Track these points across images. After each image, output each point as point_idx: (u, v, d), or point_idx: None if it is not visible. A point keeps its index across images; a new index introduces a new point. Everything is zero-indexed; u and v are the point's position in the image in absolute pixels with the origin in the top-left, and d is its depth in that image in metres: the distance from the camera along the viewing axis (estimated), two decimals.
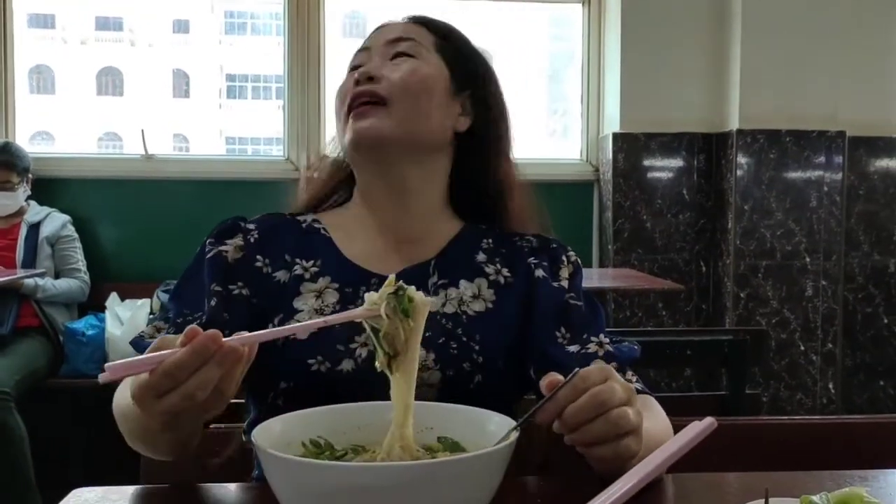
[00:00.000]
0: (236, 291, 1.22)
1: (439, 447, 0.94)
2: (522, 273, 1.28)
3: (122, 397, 1.09)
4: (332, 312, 1.17)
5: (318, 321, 0.95)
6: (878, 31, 4.20)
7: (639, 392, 1.20)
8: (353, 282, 1.22)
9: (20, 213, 3.92)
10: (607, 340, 1.23)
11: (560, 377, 0.91)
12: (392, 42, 1.31)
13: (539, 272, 1.28)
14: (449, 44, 1.34)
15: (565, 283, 1.29)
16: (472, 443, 0.93)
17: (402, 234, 1.29)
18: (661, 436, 0.87)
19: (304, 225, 1.31)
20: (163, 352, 0.84)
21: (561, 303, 1.26)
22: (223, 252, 1.24)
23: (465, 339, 1.19)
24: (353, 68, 1.31)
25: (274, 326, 1.17)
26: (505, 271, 1.28)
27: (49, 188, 4.13)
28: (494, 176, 1.34)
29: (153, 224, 4.19)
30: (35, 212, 3.95)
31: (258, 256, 1.25)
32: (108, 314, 3.80)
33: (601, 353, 1.20)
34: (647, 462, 0.78)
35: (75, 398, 3.70)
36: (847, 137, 4.02)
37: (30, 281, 3.72)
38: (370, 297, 0.93)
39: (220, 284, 1.21)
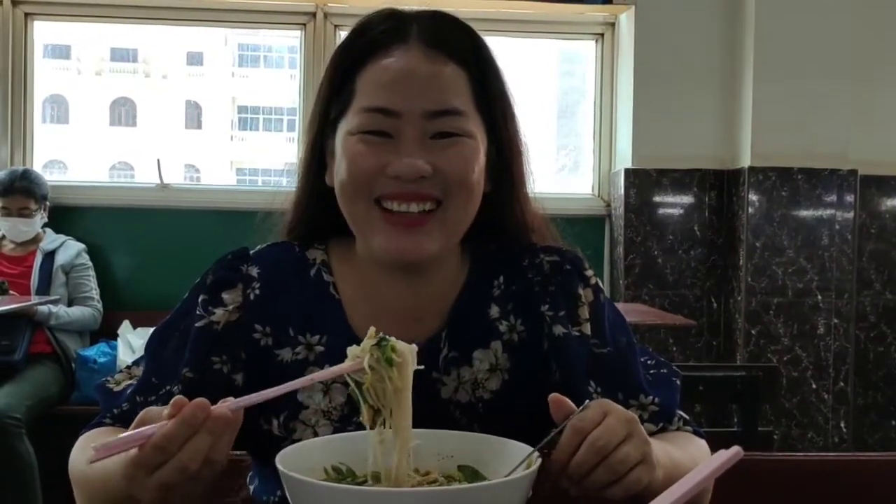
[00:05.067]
0: (217, 366, 1.13)
1: (460, 476, 0.95)
2: (538, 323, 1.17)
3: (84, 464, 1.03)
4: (340, 415, 1.10)
5: (306, 380, 0.94)
6: (889, 70, 4.22)
7: (686, 429, 1.18)
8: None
9: (36, 240, 3.95)
10: (649, 399, 1.17)
11: (565, 399, 0.93)
12: (434, 115, 1.09)
13: (557, 329, 1.16)
14: (485, 84, 1.14)
15: (587, 328, 1.17)
16: (493, 471, 0.93)
17: (413, 307, 1.17)
18: (687, 466, 0.87)
19: (311, 271, 1.18)
20: (150, 426, 0.84)
21: (586, 356, 1.16)
22: (213, 324, 1.13)
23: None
24: (373, 132, 1.09)
25: (278, 421, 1.12)
26: (519, 324, 1.16)
27: (65, 216, 4.16)
28: (513, 217, 1.21)
29: (166, 253, 4.20)
30: (50, 240, 3.98)
31: (257, 325, 1.14)
32: (120, 342, 3.81)
33: (646, 416, 1.15)
34: (669, 493, 0.77)
35: (86, 426, 3.69)
36: (859, 176, 4.03)
37: (43, 308, 3.73)
38: (353, 350, 0.92)
39: (194, 369, 1.12)
